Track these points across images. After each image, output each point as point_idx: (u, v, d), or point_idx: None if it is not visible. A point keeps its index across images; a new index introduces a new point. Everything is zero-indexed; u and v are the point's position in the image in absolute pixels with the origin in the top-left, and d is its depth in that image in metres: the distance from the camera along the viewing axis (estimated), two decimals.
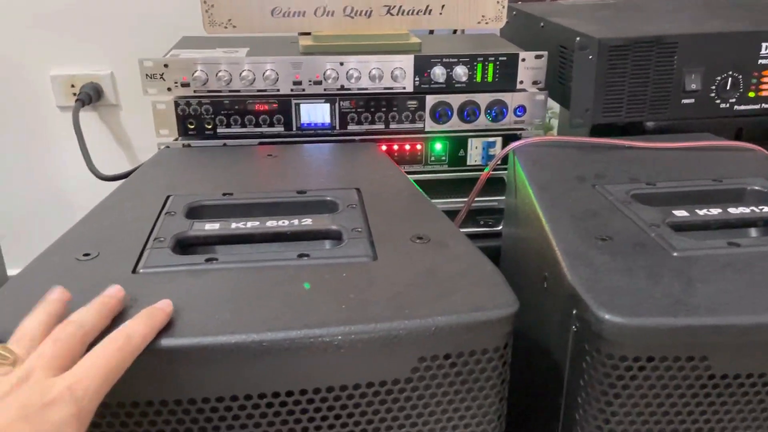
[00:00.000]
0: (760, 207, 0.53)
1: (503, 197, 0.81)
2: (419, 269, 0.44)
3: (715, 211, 0.53)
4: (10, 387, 0.32)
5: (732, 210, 0.53)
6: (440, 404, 0.41)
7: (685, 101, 0.72)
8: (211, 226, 0.49)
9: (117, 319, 0.37)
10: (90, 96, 1.19)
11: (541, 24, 0.84)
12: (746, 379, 0.41)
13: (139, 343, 0.35)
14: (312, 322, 0.38)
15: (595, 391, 0.41)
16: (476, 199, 0.75)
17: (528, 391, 0.53)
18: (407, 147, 0.77)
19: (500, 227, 0.81)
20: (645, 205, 0.54)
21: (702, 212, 0.52)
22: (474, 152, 0.79)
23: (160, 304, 0.38)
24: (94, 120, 1.24)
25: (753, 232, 0.53)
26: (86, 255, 0.45)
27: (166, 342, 0.36)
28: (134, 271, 0.43)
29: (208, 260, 0.44)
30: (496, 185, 0.77)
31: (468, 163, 0.79)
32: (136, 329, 0.35)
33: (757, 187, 0.57)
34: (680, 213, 0.52)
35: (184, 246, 0.47)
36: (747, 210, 0.52)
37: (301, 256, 0.45)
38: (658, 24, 0.78)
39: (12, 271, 1.07)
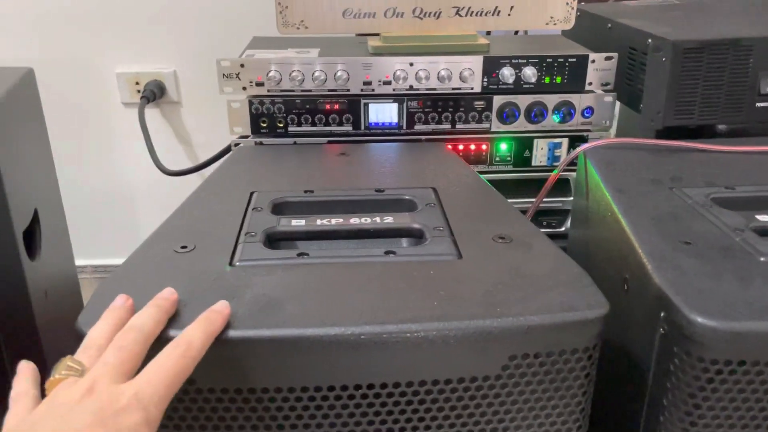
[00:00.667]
0: None
1: (566, 198, 0.81)
2: (505, 268, 0.45)
3: None
4: (80, 396, 0.33)
5: None
6: (528, 402, 0.41)
7: (759, 104, 0.71)
8: (297, 222, 0.51)
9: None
10: (154, 93, 1.23)
11: (609, 25, 0.83)
12: None
13: (199, 348, 0.36)
14: (407, 318, 0.39)
15: (683, 393, 0.41)
16: (530, 200, 0.76)
17: (609, 392, 0.53)
18: (473, 147, 0.78)
19: (563, 228, 0.82)
20: (726, 209, 0.53)
21: None
22: (539, 153, 0.79)
23: (218, 306, 0.38)
24: (156, 116, 1.27)
25: None
26: (184, 247, 0.47)
27: (270, 332, 0.38)
28: (231, 263, 0.45)
29: (300, 254, 0.46)
30: (559, 187, 0.77)
31: (533, 163, 0.80)
32: (196, 335, 0.36)
33: None
34: (764, 217, 0.52)
35: (273, 240, 0.49)
36: None
37: (387, 252, 0.46)
38: (730, 26, 0.77)
39: (79, 262, 1.11)
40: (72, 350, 0.38)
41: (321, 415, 0.40)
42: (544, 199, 0.80)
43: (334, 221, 0.51)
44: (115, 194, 1.33)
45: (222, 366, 0.38)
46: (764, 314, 0.39)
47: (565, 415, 0.42)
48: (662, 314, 0.42)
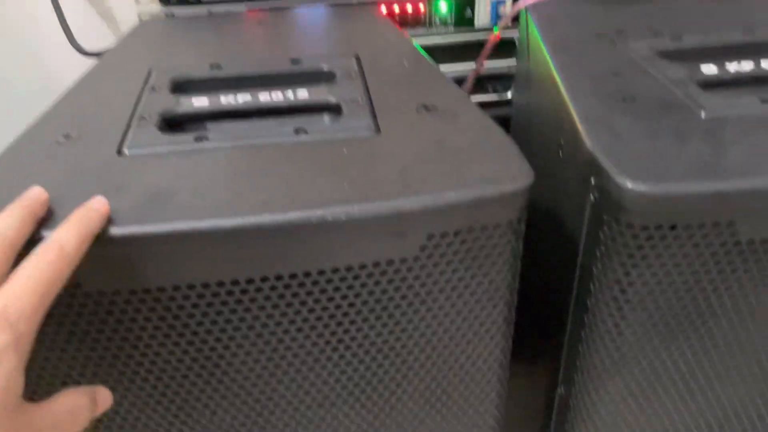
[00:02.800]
0: None
1: (513, 62, 0.75)
2: (426, 142, 0.40)
3: (747, 66, 0.48)
4: None
5: (766, 64, 0.48)
6: (451, 282, 0.39)
7: None
8: (199, 102, 0.45)
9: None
10: None
11: None
12: None
13: (73, 251, 0.31)
14: (313, 202, 0.35)
15: (613, 262, 0.39)
16: (485, 64, 0.71)
17: (540, 266, 0.52)
18: (409, 8, 0.71)
19: (510, 94, 0.77)
20: (670, 61, 0.49)
21: (732, 67, 0.48)
22: (482, 12, 0.73)
23: (94, 203, 0.33)
24: None
25: None
26: (66, 137, 0.41)
27: (159, 227, 0.34)
28: (119, 152, 0.40)
29: (197, 139, 0.41)
30: (506, 49, 0.72)
31: (476, 24, 0.73)
32: (69, 237, 0.31)
33: None
34: (708, 69, 0.48)
35: (171, 124, 0.44)
36: None
37: (298, 131, 0.42)
38: None
39: None
40: None
41: (228, 311, 0.37)
42: (491, 64, 0.75)
43: (241, 98, 0.46)
44: (28, 81, 1.23)
45: (110, 266, 0.34)
46: (699, 174, 0.37)
47: (491, 291, 0.40)
48: (592, 180, 0.39)
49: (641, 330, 0.42)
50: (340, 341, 0.40)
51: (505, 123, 0.69)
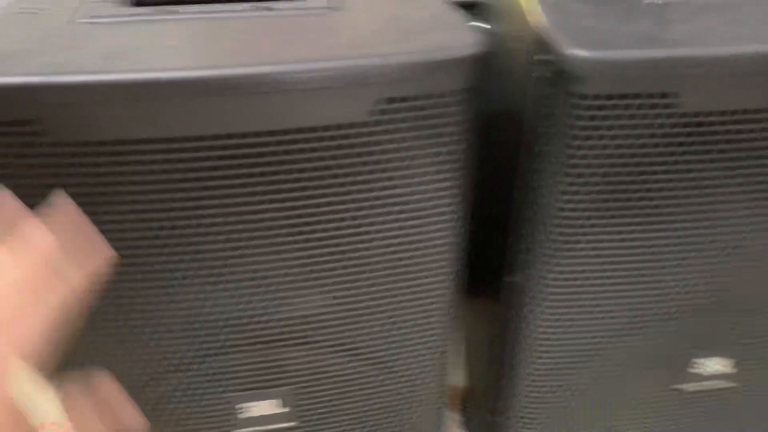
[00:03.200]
0: None
1: None
2: (383, 17, 0.42)
3: None
4: None
5: None
6: (399, 151, 0.40)
7: None
8: None
9: None
10: None
11: None
12: (718, 117, 0.40)
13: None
14: (265, 61, 0.36)
15: (560, 134, 0.41)
16: None
17: (489, 160, 0.53)
18: None
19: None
20: None
21: None
22: None
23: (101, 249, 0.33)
24: None
25: None
26: (25, 10, 0.42)
27: (117, 77, 0.35)
28: (83, 21, 0.41)
29: (157, 12, 0.42)
30: None
31: None
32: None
33: None
34: None
35: (138, 3, 0.45)
36: None
37: (258, 8, 0.43)
38: None
39: None
40: None
41: (184, 168, 0.38)
42: None
43: None
44: None
45: (69, 117, 0.36)
46: (643, 43, 0.38)
47: (440, 165, 0.42)
48: (536, 57, 0.40)
49: (587, 205, 0.43)
50: (297, 207, 0.41)
51: None
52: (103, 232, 0.40)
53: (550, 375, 0.54)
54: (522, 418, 0.58)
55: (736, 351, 0.53)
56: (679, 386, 0.56)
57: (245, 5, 0.44)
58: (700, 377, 0.55)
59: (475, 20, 0.77)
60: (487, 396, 0.63)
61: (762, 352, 0.54)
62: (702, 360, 0.54)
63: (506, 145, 0.50)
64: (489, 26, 0.76)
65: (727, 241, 0.46)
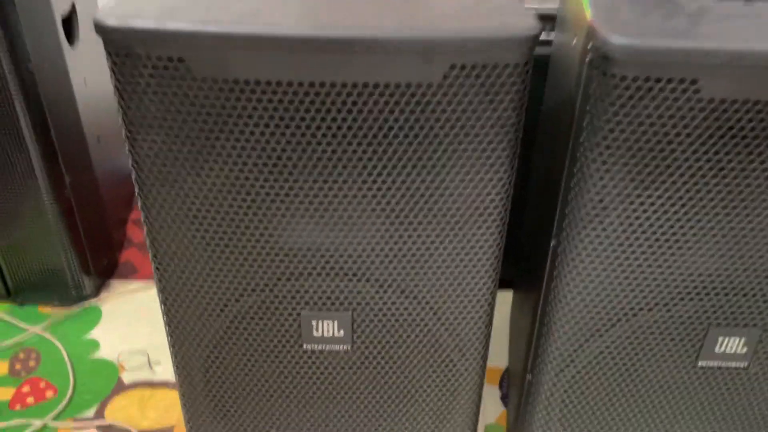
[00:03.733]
0: None
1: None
2: (463, 3, 0.51)
3: None
4: None
5: None
6: (466, 111, 0.49)
7: None
8: None
9: None
10: None
11: None
12: (738, 105, 0.47)
13: None
14: (365, 27, 0.46)
15: (599, 111, 0.49)
16: (537, 6, 0.80)
17: (548, 137, 0.61)
18: None
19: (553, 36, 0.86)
20: None
21: None
22: None
23: None
24: None
25: None
26: None
27: (259, 30, 0.46)
28: None
29: None
30: None
31: None
32: None
33: None
34: None
35: None
36: None
37: None
38: None
39: None
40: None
41: (293, 110, 0.49)
42: (544, 6, 0.84)
43: None
44: None
45: (217, 59, 0.47)
46: (672, 36, 0.46)
47: (498, 127, 0.50)
48: (590, 44, 0.49)
49: (620, 177, 0.51)
50: (375, 151, 0.51)
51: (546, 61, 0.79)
52: (224, 158, 0.51)
53: (579, 337, 0.61)
54: (551, 381, 0.65)
55: (755, 332, 0.59)
56: (701, 363, 0.62)
57: None
58: (723, 356, 0.61)
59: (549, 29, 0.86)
60: (524, 367, 0.70)
61: None
62: (724, 338, 0.60)
63: (561, 122, 0.58)
64: (556, 33, 0.85)
65: (748, 221, 0.53)
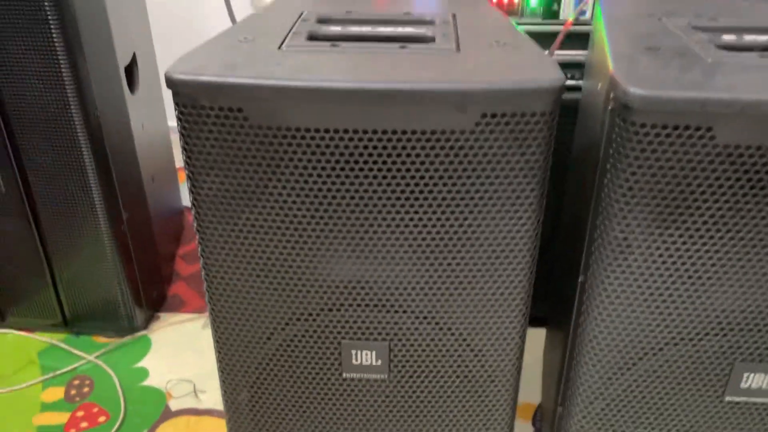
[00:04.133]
0: None
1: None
2: (492, 58, 0.56)
3: (763, 38, 0.60)
4: None
5: None
6: (497, 155, 0.54)
7: None
8: (335, 28, 0.64)
9: None
10: None
11: None
12: (752, 150, 0.50)
13: None
14: (405, 80, 0.52)
15: (621, 156, 0.53)
16: (566, 52, 0.85)
17: (574, 174, 0.65)
18: (505, 0, 0.87)
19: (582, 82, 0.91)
20: (700, 31, 0.62)
21: (749, 38, 0.60)
22: (567, 6, 0.87)
23: None
24: None
25: None
26: (245, 39, 0.61)
27: (303, 83, 0.51)
28: (279, 48, 0.58)
29: (332, 45, 0.59)
30: (587, 40, 0.86)
31: (561, 16, 0.88)
32: None
33: None
34: (728, 38, 0.60)
35: (314, 38, 0.62)
36: None
37: (401, 47, 0.59)
38: None
39: (171, 123, 1.29)
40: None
41: (339, 153, 0.54)
42: (571, 52, 0.89)
43: (364, 29, 0.63)
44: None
45: (271, 109, 0.52)
46: (687, 87, 0.50)
47: (527, 170, 0.55)
48: (612, 94, 0.53)
49: (642, 217, 0.54)
50: (412, 192, 0.55)
51: (576, 105, 0.84)
52: (276, 197, 0.56)
53: (607, 370, 0.63)
54: (581, 414, 0.67)
55: None
56: (727, 398, 0.63)
57: (391, 44, 0.60)
58: (749, 392, 0.62)
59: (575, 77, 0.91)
60: (555, 400, 0.72)
61: None
62: (750, 374, 0.61)
63: (587, 164, 0.62)
64: (583, 81, 0.89)
65: (765, 261, 0.55)
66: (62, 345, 1.06)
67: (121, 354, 1.05)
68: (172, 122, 1.44)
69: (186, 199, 1.40)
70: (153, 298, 1.14)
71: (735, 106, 0.49)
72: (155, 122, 1.17)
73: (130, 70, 1.05)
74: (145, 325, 1.11)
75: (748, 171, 0.51)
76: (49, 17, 0.82)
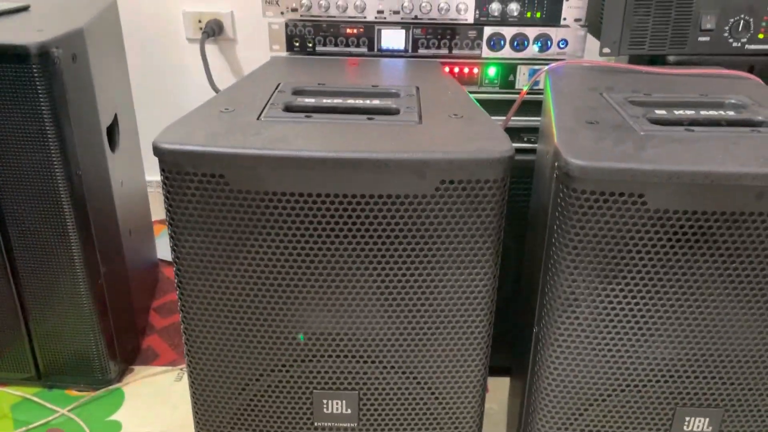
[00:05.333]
0: (728, 112, 0.68)
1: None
2: (450, 130, 0.62)
3: (690, 113, 0.68)
4: None
5: (704, 112, 0.67)
6: (455, 218, 0.59)
7: (701, 39, 0.85)
8: (309, 99, 0.70)
9: None
10: (213, 30, 1.43)
11: None
12: (679, 215, 0.57)
13: None
14: (371, 148, 0.57)
15: (566, 222, 0.59)
16: (522, 118, 0.93)
17: (529, 238, 0.71)
18: (466, 70, 0.95)
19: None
20: (636, 106, 0.69)
21: (678, 112, 0.68)
22: (522, 77, 0.95)
23: None
24: (214, 51, 1.48)
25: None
26: (226, 109, 0.66)
27: (279, 153, 0.57)
28: (258, 118, 0.64)
29: (306, 116, 0.65)
30: (540, 107, 0.94)
31: (516, 86, 0.96)
32: None
33: (733, 101, 0.71)
34: (660, 111, 0.68)
35: (290, 109, 0.68)
36: (716, 113, 0.67)
37: (369, 119, 0.65)
38: None
39: (150, 177, 1.34)
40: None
41: (312, 216, 0.59)
42: (528, 118, 0.97)
43: (336, 101, 0.70)
44: (178, 113, 1.55)
45: (251, 176, 0.58)
46: (620, 158, 0.56)
47: (482, 230, 0.60)
48: (556, 164, 0.59)
49: (587, 273, 0.60)
50: (379, 250, 0.61)
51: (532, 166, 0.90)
52: (253, 256, 0.61)
53: (561, 416, 0.68)
54: None
55: (719, 412, 0.66)
56: None
57: (360, 116, 0.66)
58: None
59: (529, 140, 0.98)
60: None
61: (743, 414, 0.66)
62: (691, 418, 0.67)
63: (539, 223, 0.68)
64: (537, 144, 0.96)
65: (699, 312, 0.61)
66: (35, 398, 1.07)
67: (95, 407, 1.06)
68: (149, 176, 1.48)
69: (161, 252, 1.43)
70: (127, 351, 1.16)
71: (662, 175, 0.55)
72: (134, 178, 1.21)
73: (112, 130, 1.09)
74: (119, 378, 1.12)
75: (677, 233, 0.58)
76: (38, 83, 0.87)
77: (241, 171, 0.58)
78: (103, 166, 1.06)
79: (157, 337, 1.23)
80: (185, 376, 1.13)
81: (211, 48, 1.47)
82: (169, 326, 1.26)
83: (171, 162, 0.58)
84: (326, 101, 0.70)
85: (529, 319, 0.72)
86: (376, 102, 0.70)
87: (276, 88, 0.74)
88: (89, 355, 1.08)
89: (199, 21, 1.44)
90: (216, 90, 1.35)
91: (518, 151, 0.99)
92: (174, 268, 0.64)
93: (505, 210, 0.61)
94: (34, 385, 1.10)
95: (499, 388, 1.05)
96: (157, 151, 0.58)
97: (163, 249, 1.48)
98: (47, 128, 0.90)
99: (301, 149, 0.57)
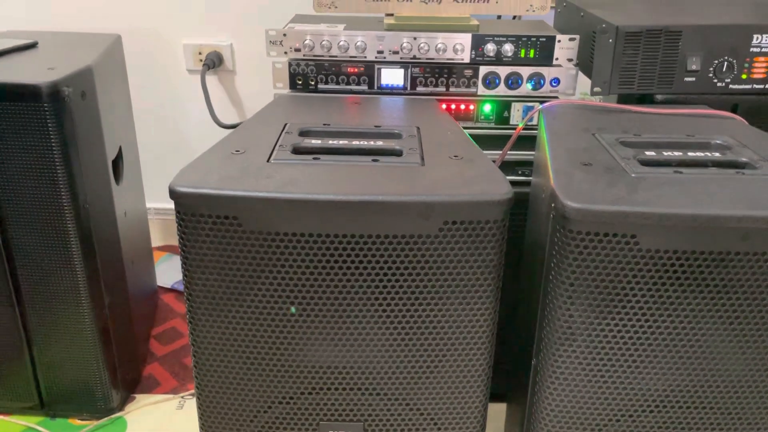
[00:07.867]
0: (714, 153, 0.71)
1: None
2: (451, 172, 0.66)
3: (678, 153, 0.71)
4: None
5: (691, 154, 0.71)
6: (457, 256, 0.62)
7: (687, 79, 0.90)
8: (316, 141, 0.73)
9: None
10: (213, 62, 1.47)
11: (581, 14, 1.02)
12: (669, 254, 0.60)
13: None
14: (376, 191, 0.60)
15: (561, 258, 0.62)
16: (517, 152, 0.96)
17: (526, 277, 0.74)
18: (462, 107, 0.99)
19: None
20: (626, 147, 0.73)
21: (667, 153, 0.71)
22: (516, 114, 0.99)
23: None
24: (214, 83, 1.51)
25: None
26: (237, 151, 0.69)
27: (290, 195, 0.60)
28: (268, 161, 0.67)
29: (314, 158, 0.68)
30: (533, 142, 0.97)
31: (511, 122, 1.00)
32: None
33: (719, 141, 0.75)
34: (650, 153, 0.71)
35: (298, 151, 0.71)
36: (702, 155, 0.71)
37: (374, 160, 0.68)
38: (677, 16, 0.95)
39: (150, 204, 1.36)
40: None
41: (321, 255, 0.62)
42: (522, 152, 1.00)
43: (341, 142, 0.73)
44: (178, 145, 1.58)
45: (260, 216, 0.60)
46: (613, 200, 0.60)
47: (483, 268, 0.63)
48: (552, 205, 0.63)
49: (583, 308, 0.63)
50: (384, 287, 0.63)
51: (527, 199, 0.94)
52: (263, 293, 0.63)
53: None
54: None
55: None
56: None
57: (365, 157, 0.69)
58: None
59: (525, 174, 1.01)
60: None
61: None
62: None
63: (536, 259, 0.71)
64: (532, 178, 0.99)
65: (690, 345, 0.64)
66: (39, 427, 1.08)
67: None
68: (150, 204, 1.51)
69: (160, 279, 1.45)
70: (129, 380, 1.17)
71: (652, 218, 0.59)
72: (136, 208, 1.23)
73: (116, 163, 1.12)
74: (121, 406, 1.14)
75: (668, 271, 0.61)
76: (48, 121, 0.90)
77: (254, 213, 0.61)
78: (108, 197, 1.08)
79: (157, 365, 1.25)
80: (187, 404, 1.14)
81: (210, 78, 1.50)
82: (169, 354, 1.27)
83: (187, 204, 0.61)
84: (332, 142, 0.73)
85: (526, 350, 0.74)
86: (380, 143, 0.73)
87: (283, 129, 0.77)
88: (92, 383, 1.09)
89: (200, 53, 1.48)
90: (216, 120, 1.38)
91: (513, 183, 1.03)
92: (186, 304, 0.66)
93: (504, 248, 0.64)
94: (38, 414, 1.11)
95: (493, 413, 1.08)
96: (174, 194, 0.61)
97: (161, 276, 1.50)
98: (57, 164, 0.92)
99: (311, 192, 0.60)
